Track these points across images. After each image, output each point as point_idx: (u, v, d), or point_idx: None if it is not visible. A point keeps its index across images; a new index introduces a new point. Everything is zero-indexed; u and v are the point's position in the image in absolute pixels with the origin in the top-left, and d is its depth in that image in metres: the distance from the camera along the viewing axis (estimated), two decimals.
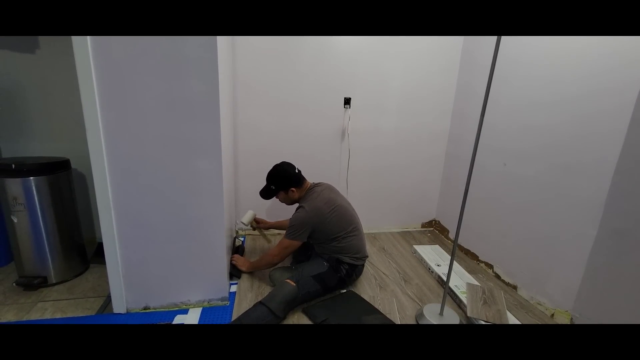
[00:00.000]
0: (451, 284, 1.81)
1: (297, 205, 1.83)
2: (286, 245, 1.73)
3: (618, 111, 1.35)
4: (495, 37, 1.22)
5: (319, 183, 1.90)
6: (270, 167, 1.87)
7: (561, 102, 1.61)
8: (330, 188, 1.88)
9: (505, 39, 1.82)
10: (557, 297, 1.63)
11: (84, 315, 1.52)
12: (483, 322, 1.51)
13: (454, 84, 2.52)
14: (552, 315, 1.64)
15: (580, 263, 1.50)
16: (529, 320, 1.62)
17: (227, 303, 1.64)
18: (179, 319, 1.51)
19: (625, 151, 1.33)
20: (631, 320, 1.32)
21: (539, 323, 1.60)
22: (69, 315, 1.52)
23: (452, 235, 2.59)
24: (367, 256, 1.90)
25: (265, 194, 1.89)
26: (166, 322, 1.47)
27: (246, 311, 1.48)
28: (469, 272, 2.03)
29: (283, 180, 1.82)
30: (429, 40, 2.38)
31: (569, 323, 1.55)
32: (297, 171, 1.83)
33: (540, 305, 1.72)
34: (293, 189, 1.82)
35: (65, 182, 1.75)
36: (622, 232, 1.34)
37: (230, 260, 1.90)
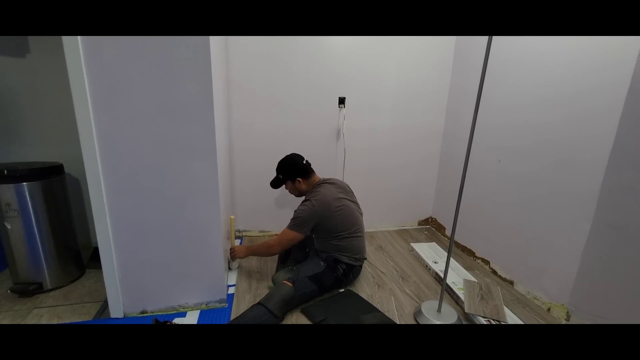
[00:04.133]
0: (448, 281, 1.82)
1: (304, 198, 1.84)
2: (289, 237, 1.73)
3: (609, 108, 1.37)
4: (486, 37, 1.23)
5: (330, 179, 1.89)
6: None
7: (554, 100, 1.62)
8: (340, 186, 1.87)
9: (497, 38, 1.84)
10: (553, 291, 1.64)
11: (80, 320, 1.51)
12: (481, 318, 1.52)
13: (447, 82, 2.53)
14: (549, 309, 1.66)
15: (575, 257, 1.52)
16: (526, 314, 1.63)
17: (225, 305, 1.64)
18: (176, 322, 1.50)
19: (616, 147, 1.34)
20: (626, 312, 1.34)
21: (536, 317, 1.62)
22: (66, 321, 1.50)
23: (448, 233, 2.60)
24: (366, 258, 1.90)
25: (274, 183, 1.92)
26: (165, 321, 1.45)
27: (244, 312, 1.47)
28: (466, 268, 2.05)
29: (290, 169, 1.84)
30: (422, 40, 2.39)
31: (565, 316, 1.56)
32: (305, 162, 1.84)
33: (537, 299, 1.73)
34: (300, 179, 1.83)
35: (58, 187, 1.73)
36: (616, 226, 1.36)
37: (230, 256, 1.95)
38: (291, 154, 1.89)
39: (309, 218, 1.69)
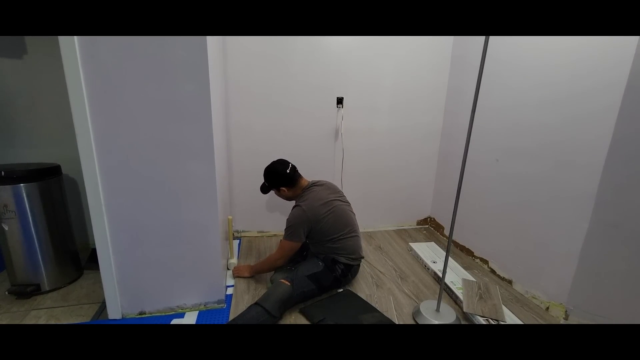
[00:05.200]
0: (447, 280, 1.82)
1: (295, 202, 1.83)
2: (287, 248, 1.73)
3: (606, 109, 1.37)
4: (483, 37, 1.23)
5: (318, 181, 1.88)
6: (264, 167, 1.87)
7: (551, 101, 1.63)
8: (329, 187, 1.87)
9: (494, 39, 1.85)
10: (552, 290, 1.65)
11: (78, 322, 1.50)
12: (480, 317, 1.52)
13: (445, 83, 2.54)
14: (547, 308, 1.66)
15: (573, 256, 1.52)
16: (524, 313, 1.64)
17: (224, 306, 1.63)
18: (175, 323, 1.50)
19: (613, 147, 1.35)
20: (624, 311, 1.34)
21: (535, 316, 1.62)
22: (64, 322, 1.50)
23: (447, 232, 2.60)
24: (363, 257, 1.90)
25: (262, 189, 1.92)
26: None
27: (242, 312, 1.47)
28: (465, 268, 2.05)
29: (273, 178, 1.83)
30: (419, 40, 2.39)
31: (563, 315, 1.57)
32: (288, 171, 1.79)
33: (535, 298, 1.73)
34: (284, 188, 1.82)
35: (56, 188, 1.73)
36: (613, 225, 1.37)
37: (233, 274, 1.92)
38: (275, 162, 1.85)
39: (300, 225, 1.69)
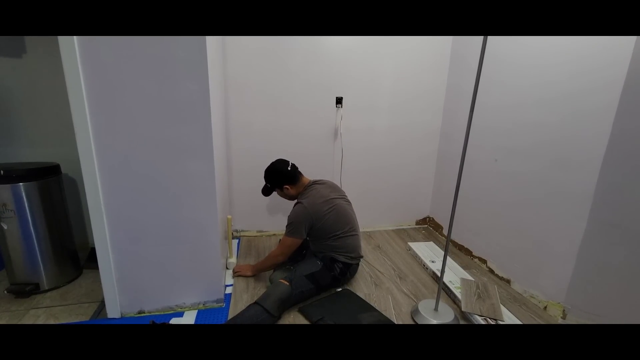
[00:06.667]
0: (445, 280, 1.83)
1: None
2: (288, 244, 1.74)
3: (603, 108, 1.38)
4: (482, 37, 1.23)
5: (320, 180, 1.89)
6: (264, 166, 1.88)
7: (549, 100, 1.63)
8: (330, 186, 1.88)
9: (493, 38, 1.85)
10: (550, 289, 1.65)
11: (77, 321, 1.50)
12: (478, 317, 1.53)
13: (444, 82, 2.54)
14: (545, 307, 1.67)
15: (571, 255, 1.53)
16: (522, 313, 1.64)
17: (223, 305, 1.64)
18: (174, 322, 1.50)
19: (611, 146, 1.36)
20: (621, 310, 1.35)
21: (533, 316, 1.63)
22: (63, 321, 1.50)
23: (446, 232, 2.61)
24: (362, 256, 1.90)
25: (264, 191, 1.92)
26: (162, 322, 1.45)
27: (241, 312, 1.47)
28: (463, 267, 2.06)
29: (275, 177, 1.84)
30: (418, 40, 2.39)
31: (561, 315, 1.57)
32: (289, 168, 1.83)
33: (533, 298, 1.74)
34: (287, 186, 1.83)
35: (55, 188, 1.73)
36: (611, 224, 1.37)
37: (233, 274, 1.92)
38: (275, 161, 1.88)
39: (302, 221, 1.70)
